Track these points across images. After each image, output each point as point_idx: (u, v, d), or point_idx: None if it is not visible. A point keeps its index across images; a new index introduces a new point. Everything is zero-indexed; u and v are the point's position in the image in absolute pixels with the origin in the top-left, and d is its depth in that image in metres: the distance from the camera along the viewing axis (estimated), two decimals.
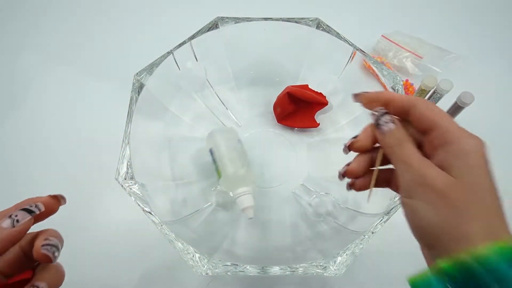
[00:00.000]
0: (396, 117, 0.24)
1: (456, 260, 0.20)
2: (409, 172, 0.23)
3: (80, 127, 0.50)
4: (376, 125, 0.24)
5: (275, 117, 0.48)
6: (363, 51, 0.40)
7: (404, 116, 0.24)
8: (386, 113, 0.24)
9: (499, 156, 0.47)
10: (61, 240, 0.24)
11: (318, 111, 0.47)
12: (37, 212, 0.23)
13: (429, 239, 0.22)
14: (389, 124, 0.24)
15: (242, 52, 0.45)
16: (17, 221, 0.22)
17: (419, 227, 0.22)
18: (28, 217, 0.22)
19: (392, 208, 0.32)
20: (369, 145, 0.25)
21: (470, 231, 0.20)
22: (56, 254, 0.23)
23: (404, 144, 0.23)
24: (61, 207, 0.47)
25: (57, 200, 0.25)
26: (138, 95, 0.38)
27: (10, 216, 0.22)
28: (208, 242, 0.38)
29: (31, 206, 0.23)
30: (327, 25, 0.41)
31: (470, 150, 0.22)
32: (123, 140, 0.35)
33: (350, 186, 0.27)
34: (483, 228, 0.20)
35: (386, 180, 0.26)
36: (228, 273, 0.31)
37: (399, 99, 0.24)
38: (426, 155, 0.23)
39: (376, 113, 0.24)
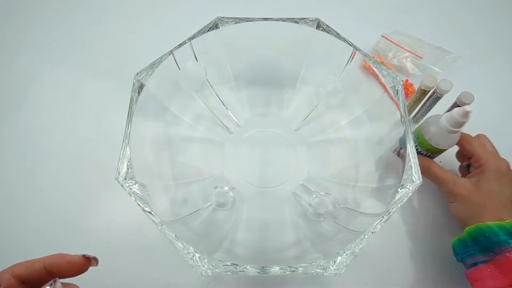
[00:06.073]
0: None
1: (475, 226, 0.35)
2: (442, 186, 0.39)
3: (80, 127, 0.50)
4: (400, 155, 0.36)
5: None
6: (363, 51, 0.40)
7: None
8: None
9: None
10: None
11: None
12: None
13: (463, 223, 0.37)
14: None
15: (242, 52, 0.45)
16: None
17: (457, 217, 0.38)
18: None
19: (392, 208, 0.32)
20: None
21: (484, 219, 0.35)
22: None
23: (432, 169, 0.40)
24: (60, 207, 0.48)
25: (88, 261, 0.25)
26: (138, 95, 0.38)
27: None
28: (208, 242, 0.38)
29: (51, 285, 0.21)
30: (327, 25, 0.41)
31: (489, 169, 0.37)
32: (123, 140, 0.35)
33: None
34: (492, 217, 0.35)
35: None
36: (228, 273, 0.31)
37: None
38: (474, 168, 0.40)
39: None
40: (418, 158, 0.34)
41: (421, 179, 0.33)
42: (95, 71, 0.55)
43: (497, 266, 0.32)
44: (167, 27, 0.58)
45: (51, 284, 0.20)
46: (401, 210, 0.45)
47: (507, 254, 0.32)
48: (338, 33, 0.41)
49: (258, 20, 0.42)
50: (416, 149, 0.37)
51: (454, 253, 0.37)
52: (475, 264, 0.35)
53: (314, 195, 0.42)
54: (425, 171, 0.39)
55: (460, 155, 0.43)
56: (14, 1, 0.63)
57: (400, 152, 0.36)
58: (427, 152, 0.40)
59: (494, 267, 0.33)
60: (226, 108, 0.48)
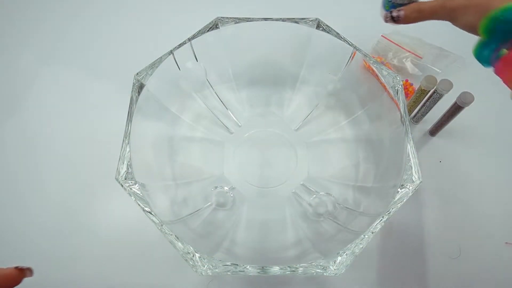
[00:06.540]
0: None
1: (487, 18, 0.32)
2: (439, 13, 0.34)
3: (80, 127, 0.50)
4: (395, 20, 0.36)
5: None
6: (363, 51, 0.40)
7: None
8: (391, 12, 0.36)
9: (499, 156, 0.47)
10: None
11: None
12: None
13: (475, 29, 0.34)
14: (400, 12, 0.35)
15: (242, 52, 0.45)
16: None
17: (468, 28, 0.35)
18: None
19: (392, 208, 0.32)
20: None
21: (493, 7, 0.31)
22: None
23: (421, 6, 0.35)
24: (61, 207, 0.48)
25: (22, 273, 0.25)
26: (138, 95, 0.38)
27: None
28: (208, 242, 0.38)
29: None
30: (327, 25, 0.41)
31: None
32: (123, 140, 0.35)
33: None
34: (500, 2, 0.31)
35: None
36: (228, 273, 0.31)
37: None
38: None
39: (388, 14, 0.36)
40: (403, 10, 0.35)
41: (421, 179, 0.33)
42: (95, 71, 0.55)
43: None
44: (167, 27, 0.58)
45: None
46: (401, 210, 0.45)
47: None
48: (338, 33, 0.41)
49: (258, 20, 0.42)
50: (397, 3, 0.36)
51: (479, 61, 0.35)
52: (499, 57, 0.33)
53: (314, 195, 0.42)
54: (418, 15, 0.36)
55: None
56: (15, 1, 0.63)
57: (393, 17, 0.36)
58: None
59: None
60: (226, 108, 0.48)
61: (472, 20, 0.34)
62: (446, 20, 0.36)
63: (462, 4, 0.34)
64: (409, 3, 0.37)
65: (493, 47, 0.33)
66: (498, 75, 0.33)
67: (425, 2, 0.36)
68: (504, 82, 0.32)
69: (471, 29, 0.35)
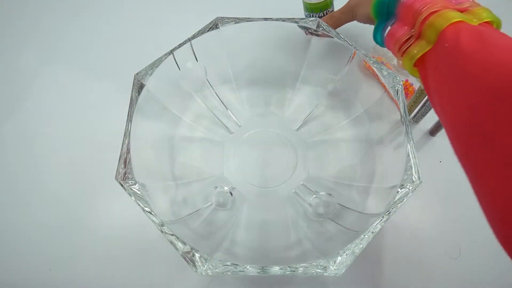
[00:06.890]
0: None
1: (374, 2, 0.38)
2: (347, 13, 0.44)
3: (80, 127, 0.50)
4: (316, 34, 0.43)
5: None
6: (363, 51, 0.40)
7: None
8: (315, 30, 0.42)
9: None
10: None
11: None
12: None
13: (370, 19, 0.40)
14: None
15: (242, 52, 0.45)
16: None
17: (368, 22, 0.42)
18: None
19: (392, 208, 0.32)
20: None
21: None
22: None
23: (332, 13, 0.46)
24: (61, 207, 0.48)
25: None
26: (138, 95, 0.38)
27: None
28: (208, 242, 0.38)
29: None
30: (327, 25, 0.41)
31: None
32: (123, 140, 0.35)
33: None
34: None
35: None
36: (228, 273, 0.31)
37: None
38: None
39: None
40: (324, 19, 0.44)
41: (421, 179, 0.33)
42: (95, 71, 0.55)
43: (398, 18, 0.35)
44: (167, 27, 0.58)
45: None
46: (401, 210, 0.45)
47: (401, 1, 0.34)
48: (338, 33, 0.41)
49: (258, 20, 0.42)
50: (310, 16, 0.46)
51: (377, 43, 0.40)
52: None
53: (314, 195, 0.42)
54: (333, 22, 0.45)
55: None
56: (15, 1, 0.63)
57: (312, 31, 0.41)
58: (319, 12, 0.47)
59: (397, 20, 0.35)
60: (226, 108, 0.48)
61: (366, 11, 0.40)
62: (352, 19, 0.43)
63: (358, 1, 0.42)
64: (323, 16, 0.46)
65: (382, 27, 0.38)
66: (388, 49, 0.37)
67: (335, 12, 0.45)
68: (393, 53, 0.36)
69: (369, 19, 0.40)
